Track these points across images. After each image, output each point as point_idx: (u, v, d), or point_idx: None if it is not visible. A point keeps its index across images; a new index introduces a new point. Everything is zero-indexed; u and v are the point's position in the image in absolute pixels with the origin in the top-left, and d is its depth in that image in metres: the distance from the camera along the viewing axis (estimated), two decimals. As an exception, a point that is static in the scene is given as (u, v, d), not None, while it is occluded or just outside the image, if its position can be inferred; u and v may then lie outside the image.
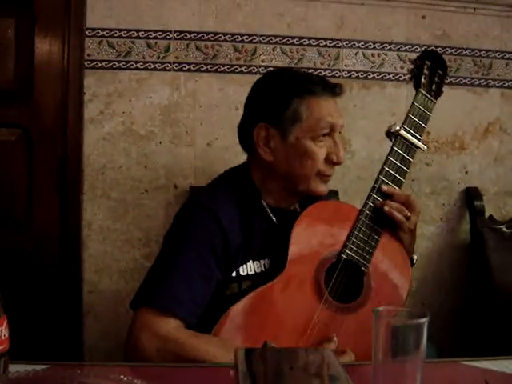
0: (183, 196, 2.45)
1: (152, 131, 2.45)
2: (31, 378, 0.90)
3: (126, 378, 0.85)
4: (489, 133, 2.69)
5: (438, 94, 1.63)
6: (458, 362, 1.35)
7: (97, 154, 2.43)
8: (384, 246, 1.57)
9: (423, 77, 1.61)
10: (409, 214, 1.56)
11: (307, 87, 1.57)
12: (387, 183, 1.56)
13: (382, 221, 1.56)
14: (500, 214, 2.70)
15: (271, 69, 1.74)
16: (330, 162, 1.59)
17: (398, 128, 1.57)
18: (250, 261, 1.56)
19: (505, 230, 2.60)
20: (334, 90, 1.60)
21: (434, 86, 1.61)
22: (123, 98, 2.43)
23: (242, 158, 2.46)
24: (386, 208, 1.54)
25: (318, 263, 1.52)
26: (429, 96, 1.60)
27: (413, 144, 1.57)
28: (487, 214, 2.63)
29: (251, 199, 1.62)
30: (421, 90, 1.60)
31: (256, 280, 1.55)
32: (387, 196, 1.56)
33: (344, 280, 1.54)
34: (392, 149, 1.57)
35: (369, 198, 1.56)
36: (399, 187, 1.58)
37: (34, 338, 2.33)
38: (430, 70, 1.62)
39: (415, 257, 1.68)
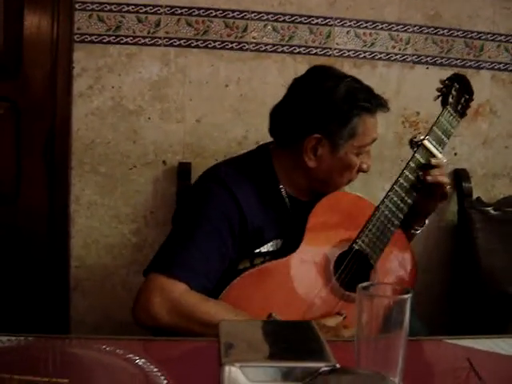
0: (172, 172, 2.45)
1: (141, 106, 2.44)
2: (15, 346, 0.90)
3: (107, 348, 0.86)
4: (478, 115, 2.68)
5: (462, 114, 1.72)
6: (442, 341, 1.36)
7: (85, 129, 2.42)
8: (394, 245, 1.65)
9: (451, 96, 1.69)
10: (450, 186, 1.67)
11: (366, 106, 1.59)
12: (405, 187, 1.63)
13: (396, 219, 1.62)
14: (488, 196, 2.71)
15: (317, 66, 1.73)
16: (360, 170, 1.66)
17: (422, 137, 1.65)
18: (267, 242, 1.62)
19: (492, 211, 2.61)
20: (385, 108, 1.65)
21: (459, 107, 1.70)
22: (113, 72, 2.41)
23: (230, 134, 2.48)
24: (429, 178, 1.62)
25: (330, 248, 1.60)
26: (454, 114, 1.69)
27: (434, 155, 1.65)
28: (475, 196, 2.65)
29: (269, 184, 1.65)
30: (448, 107, 1.68)
31: (268, 257, 1.61)
32: (407, 193, 1.63)
33: (353, 270, 1.60)
34: (414, 156, 1.64)
35: (386, 197, 1.62)
36: (417, 192, 1.65)
37: (22, 312, 2.33)
38: (458, 92, 1.70)
39: (427, 222, 1.81)
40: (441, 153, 1.66)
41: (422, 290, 2.62)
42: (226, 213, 1.55)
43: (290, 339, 0.87)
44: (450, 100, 1.68)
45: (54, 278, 2.45)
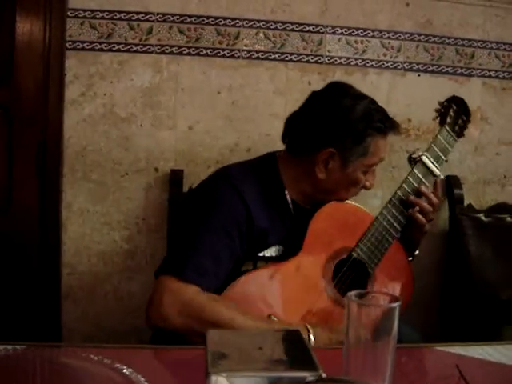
0: (164, 179, 2.45)
1: (133, 114, 2.44)
2: (3, 356, 0.90)
3: (96, 358, 0.86)
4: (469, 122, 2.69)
5: (459, 134, 1.80)
6: (431, 348, 1.37)
7: (77, 136, 2.41)
8: (393, 256, 1.70)
9: (448, 117, 1.77)
10: (432, 217, 1.73)
11: (380, 128, 1.66)
12: (403, 200, 1.70)
13: (394, 230, 1.68)
14: (479, 203, 2.72)
15: (335, 83, 1.82)
16: (364, 187, 1.73)
17: (420, 154, 1.72)
18: (271, 246, 1.66)
19: (483, 218, 2.62)
20: (397, 131, 1.73)
21: (456, 127, 1.78)
22: (104, 79, 2.41)
23: (222, 141, 2.48)
24: (411, 210, 1.70)
25: (329, 255, 1.64)
26: (451, 133, 1.76)
27: (431, 171, 1.72)
28: (466, 203, 2.65)
29: (275, 190, 1.69)
30: (445, 126, 1.76)
31: (270, 262, 1.64)
32: (405, 206, 1.70)
33: (351, 277, 1.65)
34: (412, 171, 1.72)
35: (385, 208, 1.69)
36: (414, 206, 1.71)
37: (13, 319, 2.33)
38: (455, 113, 1.78)
39: (417, 251, 1.86)
40: (438, 169, 1.72)
41: (413, 297, 2.62)
42: (234, 213, 1.59)
43: (277, 348, 0.87)
44: (448, 120, 1.76)
45: (46, 286, 2.44)
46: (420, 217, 1.70)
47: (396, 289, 1.73)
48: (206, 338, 0.85)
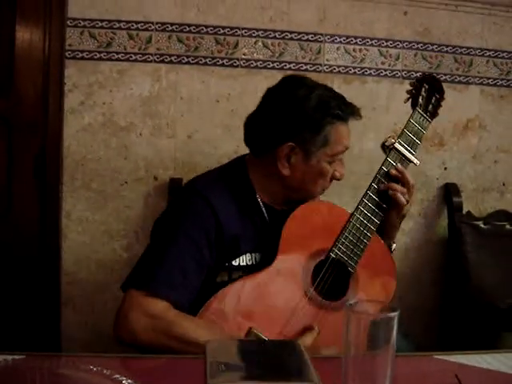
0: (163, 188, 2.45)
1: (132, 123, 2.44)
2: (3, 367, 0.90)
3: (95, 369, 0.86)
4: (468, 130, 2.71)
5: (433, 114, 1.69)
6: (430, 356, 1.36)
7: (77, 145, 2.42)
8: (372, 251, 1.62)
9: (420, 98, 1.67)
10: (408, 198, 1.63)
11: (339, 114, 1.59)
12: (378, 191, 1.61)
13: (372, 225, 1.60)
14: (478, 211, 2.73)
15: (290, 76, 1.74)
16: (333, 178, 1.65)
17: (393, 141, 1.62)
18: (245, 253, 1.60)
19: (482, 226, 2.62)
20: (357, 116, 1.64)
21: (430, 107, 1.68)
22: (104, 88, 2.42)
23: (221, 150, 2.49)
24: (391, 191, 1.61)
25: (307, 259, 1.58)
26: (425, 115, 1.66)
27: (406, 158, 1.63)
28: (465, 210, 2.66)
29: (246, 195, 1.64)
30: (417, 108, 1.66)
31: (246, 271, 1.59)
32: (381, 198, 1.62)
33: (331, 278, 1.58)
34: (386, 160, 1.62)
35: (360, 203, 1.61)
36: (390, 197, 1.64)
37: (13, 328, 2.33)
38: (428, 93, 1.68)
39: (394, 245, 1.76)
40: (413, 155, 1.64)
41: (413, 304, 2.63)
42: (202, 221, 1.54)
43: (275, 359, 0.87)
44: (420, 101, 1.67)
45: (46, 294, 2.44)
46: (401, 197, 1.61)
47: (380, 285, 1.65)
48: (206, 348, 0.85)
